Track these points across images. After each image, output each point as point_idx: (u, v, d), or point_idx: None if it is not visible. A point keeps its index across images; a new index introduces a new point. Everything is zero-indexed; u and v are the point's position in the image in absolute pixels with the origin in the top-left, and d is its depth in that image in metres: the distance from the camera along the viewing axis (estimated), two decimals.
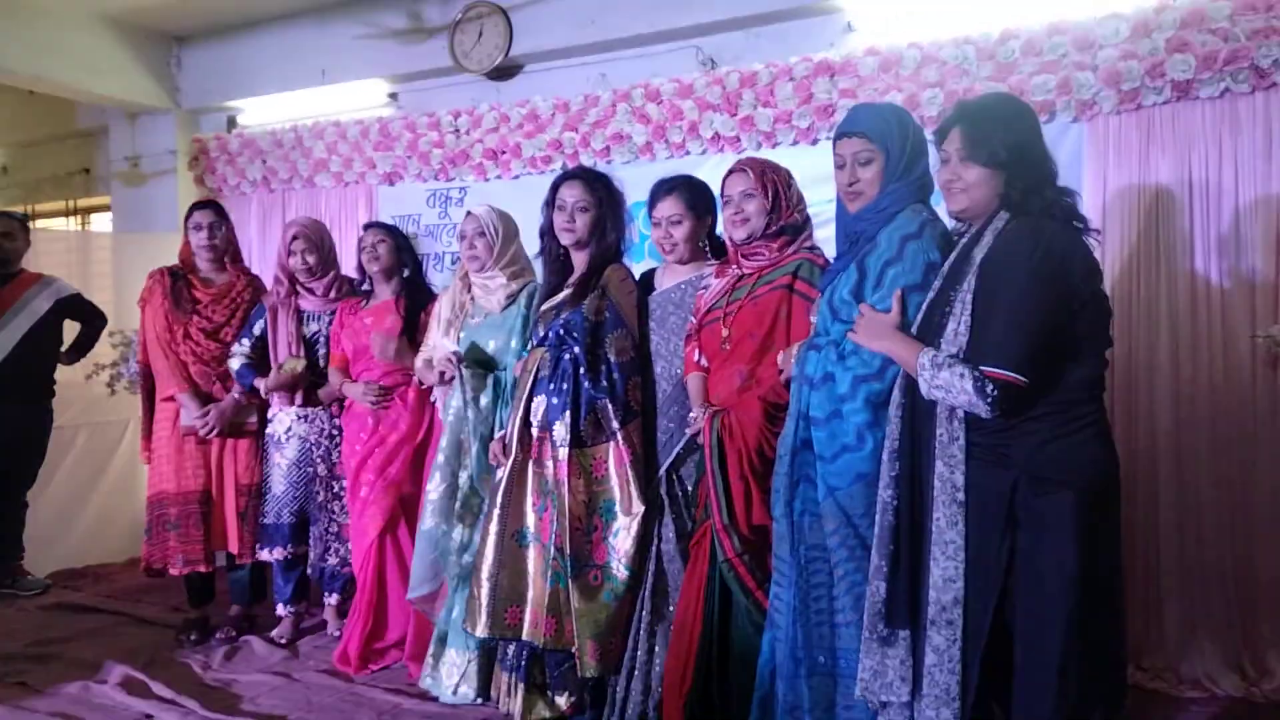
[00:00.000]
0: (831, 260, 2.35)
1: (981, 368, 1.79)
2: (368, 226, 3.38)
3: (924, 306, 1.98)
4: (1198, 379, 3.02)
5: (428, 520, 2.92)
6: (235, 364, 3.40)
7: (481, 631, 2.66)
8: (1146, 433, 3.08)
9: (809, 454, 2.15)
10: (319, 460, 3.39)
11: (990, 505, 1.82)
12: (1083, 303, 1.82)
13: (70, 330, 4.30)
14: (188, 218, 3.55)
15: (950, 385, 1.81)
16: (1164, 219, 3.07)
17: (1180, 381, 3.04)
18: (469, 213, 2.99)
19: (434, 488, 2.93)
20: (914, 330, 1.98)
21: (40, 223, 6.54)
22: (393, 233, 3.35)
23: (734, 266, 2.54)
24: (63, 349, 4.26)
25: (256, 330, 3.43)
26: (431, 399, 3.17)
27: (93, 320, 4.32)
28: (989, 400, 1.77)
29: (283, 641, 3.47)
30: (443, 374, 2.94)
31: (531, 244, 2.97)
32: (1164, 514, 3.05)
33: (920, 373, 1.87)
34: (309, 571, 3.48)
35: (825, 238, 2.70)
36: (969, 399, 1.79)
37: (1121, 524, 1.94)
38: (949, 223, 2.13)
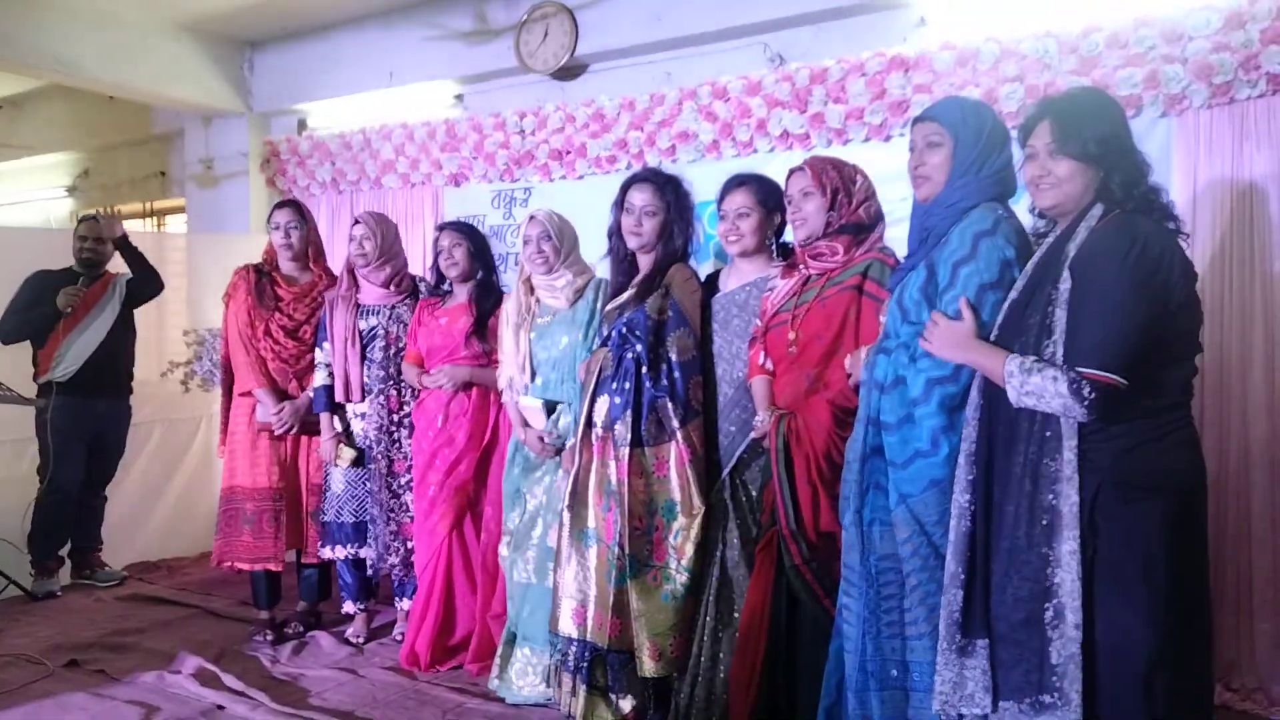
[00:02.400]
0: (902, 260, 2.29)
1: (1078, 369, 1.71)
2: (443, 228, 3.36)
3: (1008, 305, 1.90)
4: None
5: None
6: (318, 380, 3.44)
7: (562, 630, 2.68)
8: (1239, 441, 2.93)
9: (879, 460, 2.09)
10: (380, 457, 3.40)
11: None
12: (1179, 303, 1.75)
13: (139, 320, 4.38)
14: (269, 217, 3.62)
15: (1043, 390, 1.73)
16: (1258, 218, 2.92)
17: (1275, 388, 2.90)
18: (531, 216, 2.98)
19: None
20: (995, 331, 1.91)
21: None
22: (469, 236, 3.32)
23: (801, 267, 2.49)
24: (134, 342, 4.35)
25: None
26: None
27: (151, 281, 4.29)
28: (1086, 403, 1.69)
29: (358, 640, 3.50)
30: (542, 440, 2.94)
31: (597, 244, 2.95)
32: (1256, 526, 2.91)
33: (1009, 380, 1.78)
34: (369, 572, 3.50)
35: (901, 237, 2.62)
36: (1064, 403, 1.71)
37: (1209, 536, 1.85)
38: (1027, 221, 2.05)
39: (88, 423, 4.15)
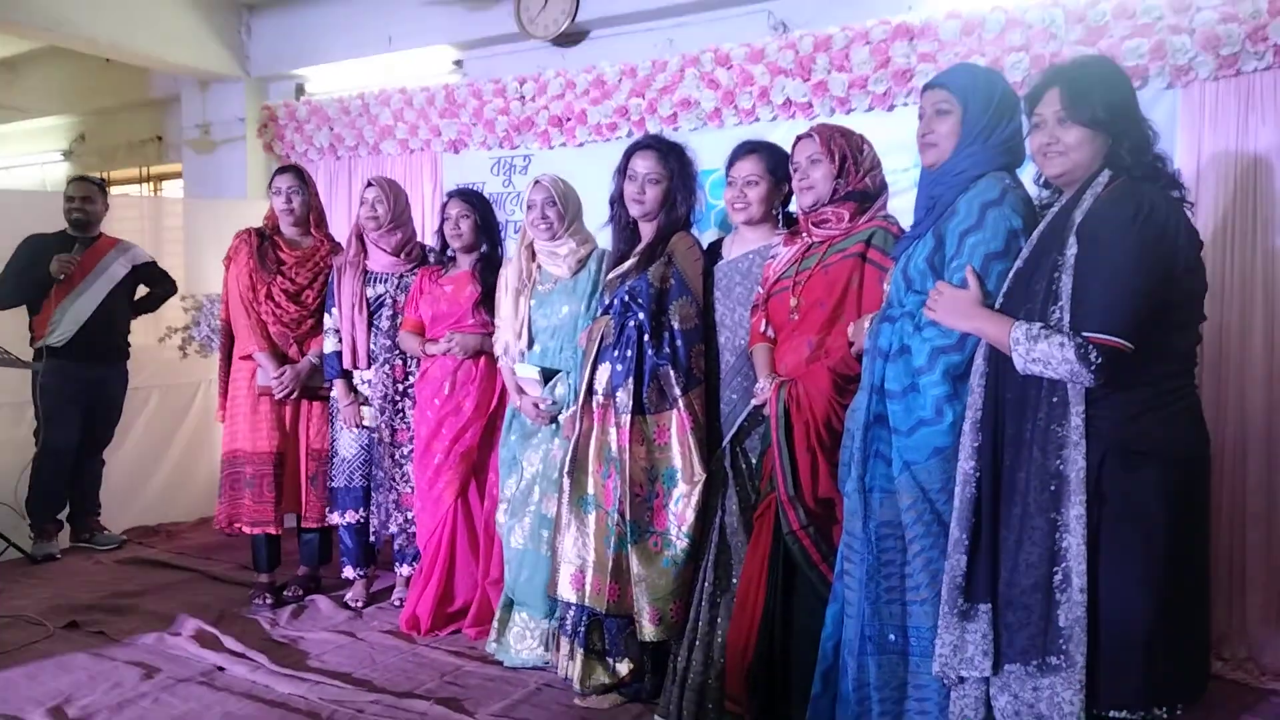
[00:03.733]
0: (906, 229, 2.28)
1: (1084, 334, 1.71)
2: (452, 195, 3.32)
3: (1013, 272, 1.90)
4: None
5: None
6: (328, 346, 3.44)
7: (561, 594, 2.70)
8: (1236, 414, 2.95)
9: (882, 429, 2.09)
10: (383, 426, 3.41)
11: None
12: (1184, 269, 1.74)
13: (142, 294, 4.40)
14: (270, 182, 3.60)
15: (1049, 357, 1.73)
16: (1262, 191, 2.92)
17: (1274, 360, 2.91)
18: (536, 181, 2.96)
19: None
20: (1000, 299, 1.90)
21: (115, 189, 6.69)
22: (477, 207, 3.28)
23: (804, 235, 2.48)
24: (131, 309, 4.36)
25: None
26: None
27: (165, 285, 4.42)
28: (1093, 368, 1.69)
29: (358, 605, 3.52)
30: (536, 407, 2.94)
31: (599, 211, 2.94)
32: (1251, 499, 2.93)
33: (1014, 348, 1.78)
34: (371, 537, 3.52)
35: (902, 207, 2.62)
36: (1071, 368, 1.71)
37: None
38: (1032, 192, 2.04)
39: (83, 387, 4.15)
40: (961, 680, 1.87)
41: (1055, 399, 1.77)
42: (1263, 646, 2.91)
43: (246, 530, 3.53)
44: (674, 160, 2.71)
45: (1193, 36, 2.92)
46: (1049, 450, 1.76)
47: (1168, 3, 2.96)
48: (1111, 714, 1.74)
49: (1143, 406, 1.74)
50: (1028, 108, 1.93)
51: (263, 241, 3.53)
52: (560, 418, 2.91)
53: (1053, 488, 1.75)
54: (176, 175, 6.12)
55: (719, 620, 2.55)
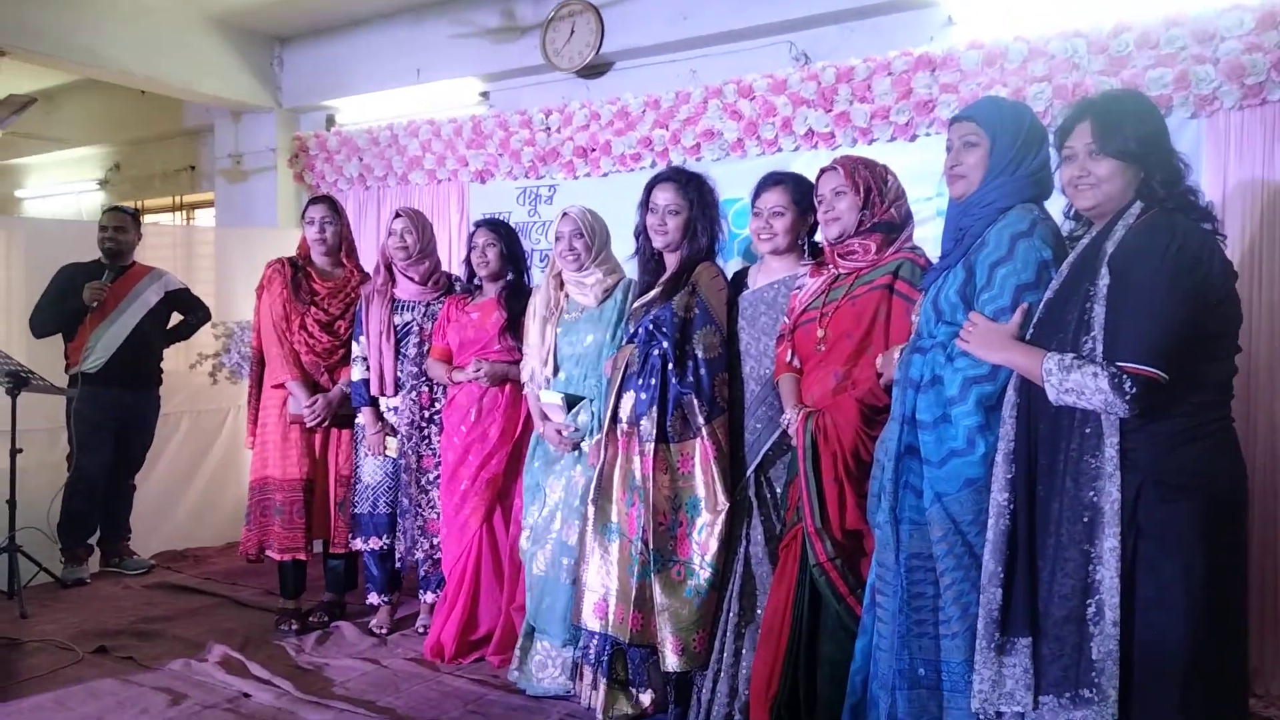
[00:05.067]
0: (933, 260, 2.28)
1: (1118, 364, 1.71)
2: (480, 225, 3.37)
3: (1044, 303, 1.90)
4: None
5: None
6: (357, 374, 3.48)
7: (584, 623, 2.71)
8: (1266, 444, 2.92)
9: (913, 460, 2.08)
10: (410, 452, 3.43)
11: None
12: (1218, 299, 1.74)
13: (175, 322, 4.47)
14: (303, 212, 3.65)
15: (1083, 387, 1.73)
16: None
17: None
18: (565, 213, 2.99)
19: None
20: (1031, 329, 1.90)
21: (148, 218, 6.83)
22: (503, 237, 3.32)
23: (831, 267, 2.50)
24: (165, 336, 4.43)
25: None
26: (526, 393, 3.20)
27: (197, 312, 4.49)
28: (1127, 398, 1.68)
29: (382, 631, 3.53)
30: (560, 434, 2.96)
31: (623, 242, 2.97)
32: None
33: (1047, 379, 1.78)
34: (397, 564, 3.54)
35: (925, 237, 2.63)
36: (1105, 398, 1.70)
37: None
38: (1062, 224, 2.04)
39: (115, 413, 4.21)
40: (1000, 715, 1.85)
41: (1089, 430, 1.76)
42: None
43: (276, 557, 3.56)
44: (693, 190, 2.74)
45: (1217, 66, 2.92)
46: (1082, 482, 1.75)
47: (1191, 32, 2.96)
48: None
49: (1179, 438, 1.73)
50: (1058, 141, 1.94)
51: (296, 272, 3.58)
52: (584, 445, 2.92)
53: (1086, 519, 1.74)
54: (209, 204, 6.23)
55: (744, 651, 2.54)
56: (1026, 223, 2.00)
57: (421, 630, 3.49)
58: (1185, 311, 1.70)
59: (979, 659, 1.86)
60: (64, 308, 4.12)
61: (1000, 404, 1.94)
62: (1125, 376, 1.68)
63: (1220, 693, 1.74)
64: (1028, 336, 1.90)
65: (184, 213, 6.87)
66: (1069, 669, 1.74)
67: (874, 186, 2.42)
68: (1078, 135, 1.87)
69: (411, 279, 3.48)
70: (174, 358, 4.58)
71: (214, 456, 4.91)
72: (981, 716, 1.88)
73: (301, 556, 3.55)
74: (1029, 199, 2.05)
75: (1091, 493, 1.74)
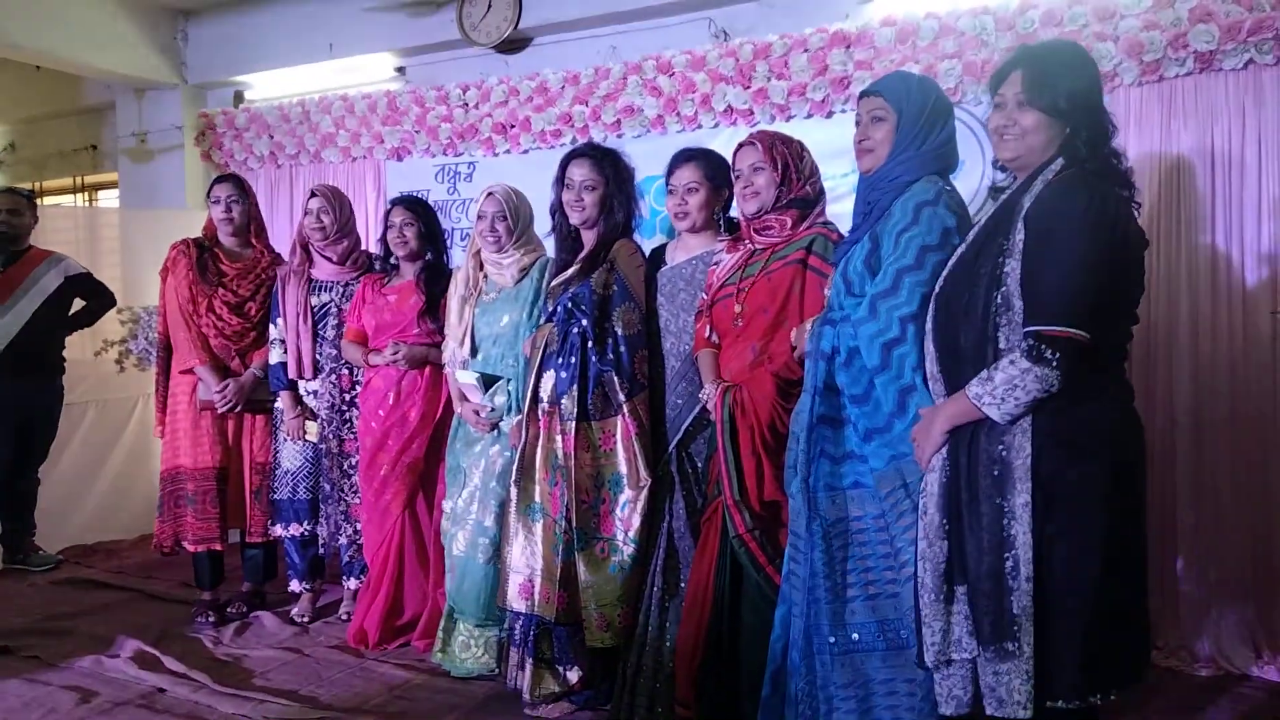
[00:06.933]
0: (846, 234, 2.32)
1: (1039, 328, 1.69)
2: (396, 203, 3.29)
3: (956, 257, 1.90)
4: (1217, 355, 2.98)
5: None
6: (274, 357, 3.39)
7: (510, 604, 2.70)
8: (1164, 409, 3.04)
9: (826, 429, 2.11)
10: (330, 437, 3.36)
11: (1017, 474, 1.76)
12: (1127, 264, 1.75)
13: (78, 308, 4.29)
14: (209, 192, 3.54)
15: (1012, 382, 1.69)
16: (1185, 193, 3.02)
17: (1199, 357, 3.00)
18: (489, 192, 2.95)
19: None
20: (942, 283, 1.90)
21: (47, 199, 6.54)
22: (421, 216, 3.25)
23: (747, 242, 2.51)
24: (67, 324, 4.26)
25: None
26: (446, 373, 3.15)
27: (101, 298, 4.31)
28: (1054, 364, 1.67)
29: (304, 620, 3.46)
30: (477, 414, 2.93)
31: (542, 218, 2.94)
32: (1181, 491, 3.02)
33: (981, 404, 1.74)
34: (319, 550, 3.47)
35: (843, 212, 2.66)
36: (1034, 375, 1.68)
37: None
38: (987, 178, 2.06)
39: (14, 404, 4.04)
40: (949, 663, 1.83)
41: None
42: (1194, 634, 3.00)
43: (190, 548, 3.46)
44: (609, 166, 2.72)
45: (1117, 44, 3.01)
46: (993, 435, 1.76)
47: (1093, 10, 3.05)
48: (1048, 704, 1.75)
49: (1079, 398, 1.73)
50: (992, 86, 1.91)
51: (202, 253, 3.47)
52: (502, 425, 2.90)
53: (996, 472, 1.75)
54: (112, 185, 5.98)
55: (668, 625, 2.56)
56: (932, 193, 2.04)
57: (345, 617, 3.43)
58: (1102, 273, 1.69)
59: (929, 612, 1.84)
60: None
61: (922, 364, 1.96)
62: (1043, 345, 1.68)
63: (1125, 647, 1.78)
64: (938, 288, 1.91)
65: (86, 194, 6.58)
66: (995, 622, 1.75)
67: (791, 163, 2.44)
68: (1009, 84, 1.84)
69: (329, 259, 3.40)
70: (78, 345, 4.40)
71: (123, 446, 4.74)
72: (933, 668, 1.87)
73: (217, 547, 3.46)
74: (934, 172, 2.09)
75: (1000, 447, 1.74)
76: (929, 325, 1.92)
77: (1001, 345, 1.76)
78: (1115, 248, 1.71)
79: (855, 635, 2.08)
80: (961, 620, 1.82)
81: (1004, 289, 1.75)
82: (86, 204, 6.53)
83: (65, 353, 4.26)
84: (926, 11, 3.31)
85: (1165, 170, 3.03)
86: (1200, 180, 3.00)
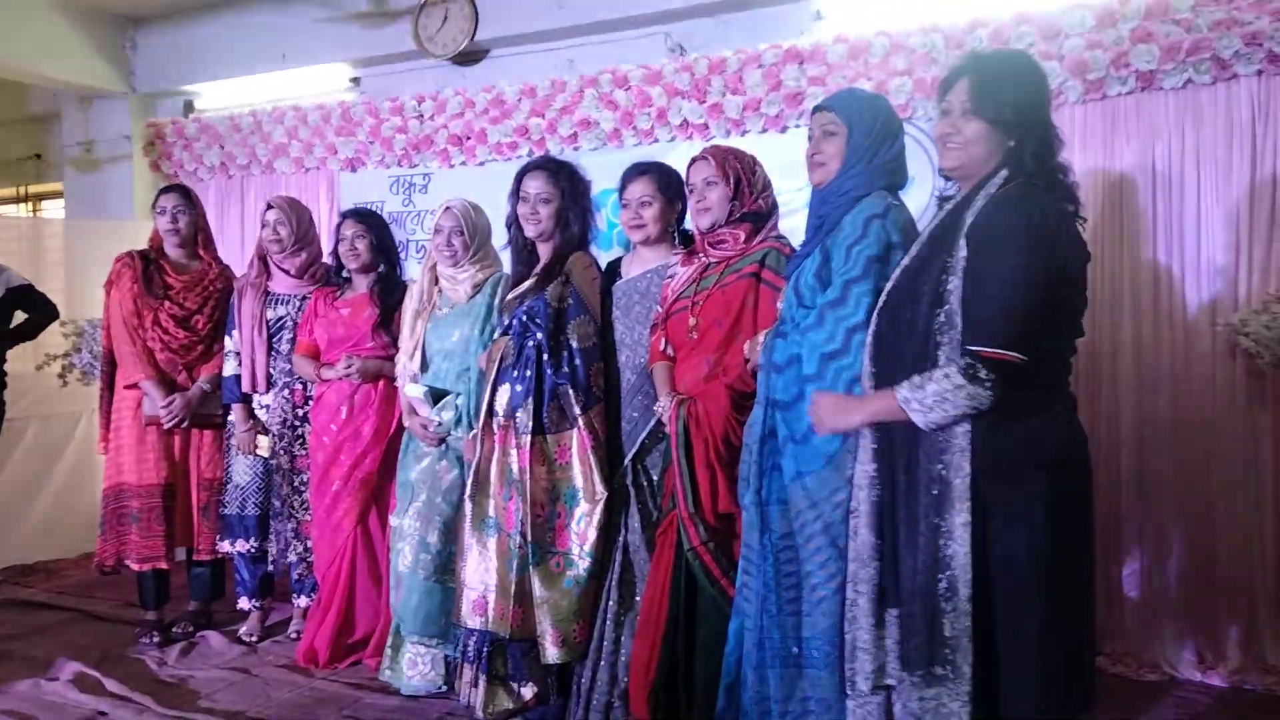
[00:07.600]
0: (798, 248, 2.33)
1: (975, 348, 1.69)
2: (347, 215, 3.26)
3: (899, 270, 1.90)
4: (1159, 368, 3.06)
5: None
6: (228, 369, 3.33)
7: (464, 621, 2.66)
8: (1108, 421, 3.10)
9: (777, 442, 2.12)
10: (282, 452, 3.30)
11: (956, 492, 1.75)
12: (1069, 279, 1.75)
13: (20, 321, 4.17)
14: (154, 202, 3.47)
15: (944, 395, 1.69)
16: (1127, 209, 3.10)
17: (1142, 370, 3.07)
18: (447, 206, 2.93)
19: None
20: (885, 297, 1.90)
21: None
22: (373, 228, 3.22)
23: (701, 255, 2.52)
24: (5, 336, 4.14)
25: None
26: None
27: (43, 310, 4.20)
28: (987, 385, 1.67)
29: (252, 639, 3.39)
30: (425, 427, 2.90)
31: (499, 230, 2.92)
32: (1126, 501, 3.09)
33: (907, 408, 1.74)
34: (269, 567, 3.40)
35: (796, 226, 2.68)
36: (966, 393, 1.68)
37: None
38: (936, 192, 2.05)
39: None
40: (876, 690, 1.82)
41: None
42: (1140, 642, 3.05)
43: (135, 566, 3.37)
44: (565, 179, 2.72)
45: (1062, 63, 3.08)
46: (932, 454, 1.75)
47: (1039, 30, 3.12)
48: None
49: (1023, 414, 1.72)
50: (940, 92, 1.89)
51: (148, 265, 3.40)
52: (450, 440, 2.88)
53: (935, 491, 1.73)
54: (57, 195, 5.84)
55: (623, 639, 2.55)
56: (880, 208, 2.07)
57: (294, 636, 3.37)
58: (1040, 293, 1.69)
59: (865, 636, 1.82)
60: None
61: (860, 379, 1.96)
62: (979, 365, 1.67)
63: (1073, 659, 1.78)
64: (881, 302, 1.91)
65: (30, 204, 6.42)
66: (922, 646, 1.73)
67: (744, 177, 2.46)
68: (955, 91, 1.83)
69: (287, 271, 3.36)
70: (19, 359, 4.27)
71: (65, 463, 4.62)
72: (850, 692, 1.87)
73: (162, 565, 3.37)
74: (883, 187, 2.12)
75: (940, 465, 1.74)
76: (869, 337, 1.92)
77: (941, 363, 1.75)
78: (1055, 265, 1.70)
79: (795, 649, 2.07)
80: (891, 645, 1.81)
81: (947, 306, 1.74)
82: (31, 214, 6.37)
83: (6, 366, 4.13)
84: (878, 29, 3.36)
85: (1108, 187, 3.11)
86: (1142, 196, 3.07)
